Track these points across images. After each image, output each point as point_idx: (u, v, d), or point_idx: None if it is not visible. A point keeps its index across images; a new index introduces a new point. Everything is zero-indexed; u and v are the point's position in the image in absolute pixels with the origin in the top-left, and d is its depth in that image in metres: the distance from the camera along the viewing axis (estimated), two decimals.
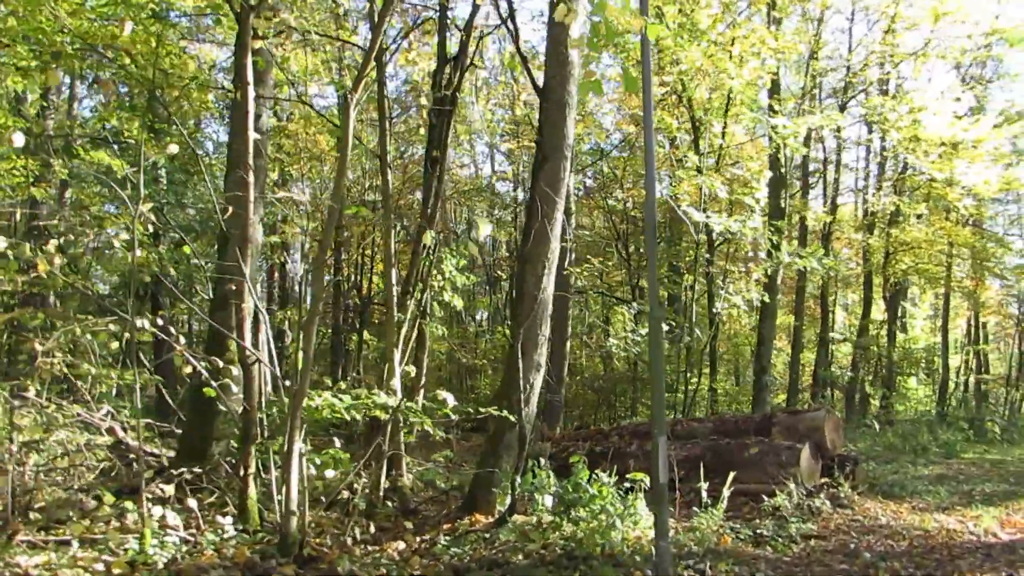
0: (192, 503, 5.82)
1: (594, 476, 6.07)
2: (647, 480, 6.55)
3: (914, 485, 10.39)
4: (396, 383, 6.63)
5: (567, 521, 5.41)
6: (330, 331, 20.62)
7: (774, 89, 16.55)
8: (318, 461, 6.08)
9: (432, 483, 7.06)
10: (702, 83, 16.33)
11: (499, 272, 24.27)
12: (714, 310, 15.82)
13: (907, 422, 17.77)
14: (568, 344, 15.93)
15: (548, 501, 5.85)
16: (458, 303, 7.27)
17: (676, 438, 10.17)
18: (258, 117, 7.78)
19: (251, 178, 6.00)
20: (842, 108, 20.80)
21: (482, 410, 6.06)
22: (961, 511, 8.70)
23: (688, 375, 16.62)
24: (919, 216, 23.61)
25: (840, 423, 9.51)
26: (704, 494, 7.45)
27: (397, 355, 6.69)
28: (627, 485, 6.36)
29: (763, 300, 15.44)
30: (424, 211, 7.36)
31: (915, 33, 17.79)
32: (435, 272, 7.03)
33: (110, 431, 7.26)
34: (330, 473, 6.07)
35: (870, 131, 22.36)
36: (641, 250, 20.69)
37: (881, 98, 19.94)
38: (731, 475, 7.62)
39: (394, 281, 6.74)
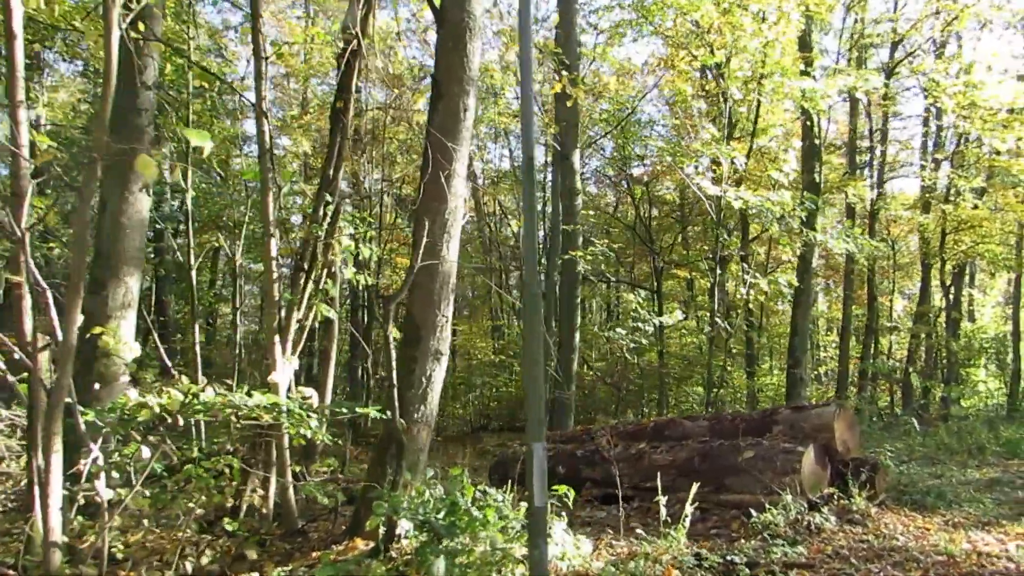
0: None
1: (483, 492, 4.79)
2: (569, 494, 5.24)
3: (956, 493, 8.77)
4: (277, 377, 5.44)
5: (433, 555, 4.16)
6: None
7: (803, 47, 14.84)
8: (159, 468, 4.93)
9: (319, 498, 5.84)
10: (715, 43, 14.79)
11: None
12: (740, 295, 14.25)
13: (963, 418, 15.81)
14: (577, 336, 14.57)
15: (406, 526, 4.57)
16: (366, 280, 6.04)
17: (666, 439, 8.78)
18: (143, 69, 6.69)
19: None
20: (889, 74, 18.92)
21: (358, 410, 4.84)
22: (1005, 527, 7.10)
23: (713, 368, 15.07)
24: (981, 193, 21.51)
25: (855, 421, 7.96)
26: (664, 509, 6.05)
27: (276, 344, 5.50)
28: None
29: (791, 284, 13.79)
30: (324, 171, 6.17)
31: None
32: (333, 244, 5.82)
33: None
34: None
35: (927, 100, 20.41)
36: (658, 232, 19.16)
37: (933, 61, 18.09)
38: (693, 487, 6.24)
39: (273, 252, 5.56)
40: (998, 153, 19.39)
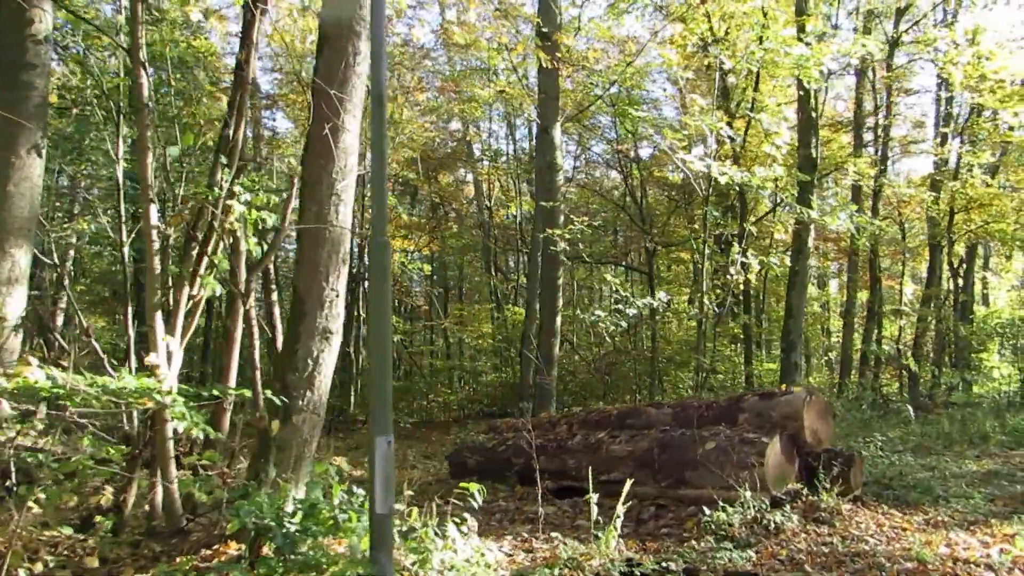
0: None
1: (351, 493, 4.13)
2: (478, 493, 4.60)
3: (946, 487, 8.06)
4: (157, 359, 4.82)
5: (282, 566, 3.53)
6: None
7: (800, 12, 13.97)
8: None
9: (197, 495, 5.21)
10: (714, 13, 14.02)
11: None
12: (728, 275, 13.51)
13: (969, 405, 14.98)
14: (558, 319, 13.90)
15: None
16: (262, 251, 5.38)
17: (628, 428, 8.11)
18: (31, 21, 6.07)
19: None
20: (893, 44, 18.03)
21: (216, 392, 4.23)
22: (993, 526, 6.39)
23: (704, 352, 14.36)
24: (994, 171, 20.56)
25: (828, 408, 7.25)
26: (595, 508, 5.39)
27: (158, 322, 4.88)
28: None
29: (782, 264, 13.02)
30: (223, 131, 5.54)
31: None
32: (230, 211, 5.17)
33: None
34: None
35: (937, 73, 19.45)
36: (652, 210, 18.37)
37: (939, 30, 17.16)
38: (628, 483, 5.60)
39: (154, 220, 4.94)
40: (1012, 128, 18.49)
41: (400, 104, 16.87)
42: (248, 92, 5.51)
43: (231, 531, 3.83)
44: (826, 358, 28.38)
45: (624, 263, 20.20)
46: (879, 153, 19.38)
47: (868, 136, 21.33)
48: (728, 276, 13.53)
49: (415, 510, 4.38)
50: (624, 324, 11.96)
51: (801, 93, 14.35)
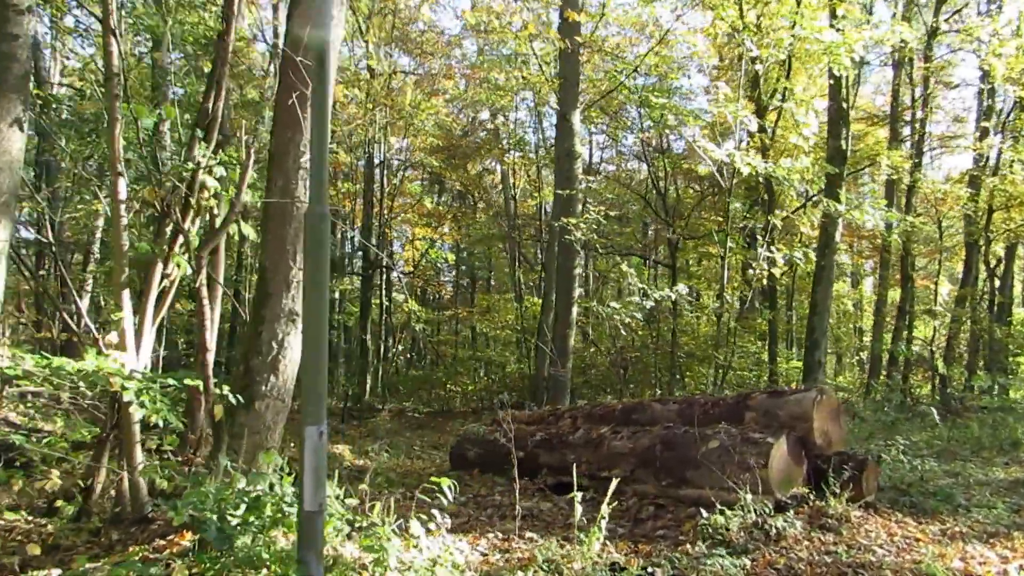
0: None
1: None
2: (447, 488, 4.32)
3: (969, 495, 7.64)
4: (120, 338, 4.61)
5: (218, 561, 3.27)
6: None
7: None
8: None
9: (158, 482, 5.00)
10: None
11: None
12: (751, 269, 13.06)
13: (1002, 409, 14.35)
14: (574, 310, 13.57)
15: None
16: (248, 232, 5.15)
17: (632, 424, 7.79)
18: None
19: None
20: (932, 34, 17.37)
21: (187, 381, 3.99)
22: (1015, 539, 5.98)
23: (725, 347, 13.92)
24: None
25: (839, 410, 6.85)
26: (579, 508, 5.09)
27: (126, 301, 4.66)
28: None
29: (807, 258, 12.53)
30: (203, 104, 5.31)
31: None
32: (206, 188, 4.93)
33: None
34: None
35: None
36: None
37: (982, 20, 16.50)
38: (614, 482, 5.27)
39: (122, 195, 4.71)
40: None
41: (421, 88, 16.60)
42: (227, 64, 5.27)
43: (176, 522, 3.60)
44: (857, 358, 27.70)
45: (650, 256, 19.77)
46: (914, 147, 18.66)
47: (907, 132, 20.64)
48: (751, 270, 13.10)
49: (377, 505, 4.12)
50: (639, 316, 11.58)
51: (832, 82, 13.84)
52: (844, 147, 14.08)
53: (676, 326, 15.75)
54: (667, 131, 16.61)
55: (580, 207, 13.32)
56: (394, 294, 25.52)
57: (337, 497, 3.89)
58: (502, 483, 8.16)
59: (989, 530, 6.26)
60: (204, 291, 4.30)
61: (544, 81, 13.87)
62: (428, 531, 4.00)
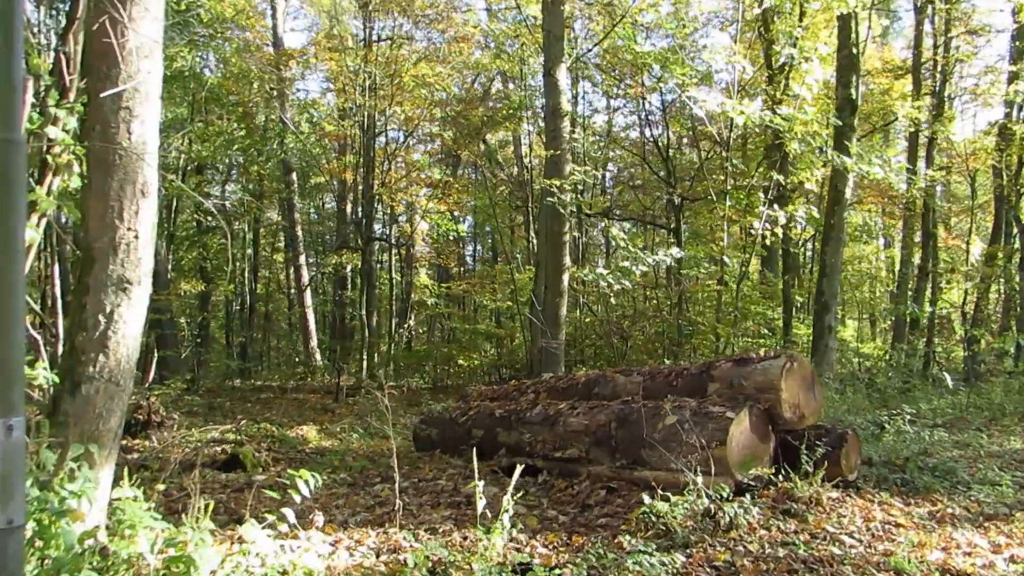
0: None
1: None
2: (310, 480, 3.65)
3: (973, 470, 6.82)
4: None
5: None
6: None
7: None
8: None
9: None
10: None
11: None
12: (752, 230, 12.20)
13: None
14: (565, 278, 12.81)
15: None
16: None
17: (594, 397, 7.07)
18: None
19: None
20: None
21: None
22: (1016, 522, 5.20)
23: (727, 311, 13.12)
24: None
25: (813, 378, 6.03)
26: (482, 500, 4.40)
27: None
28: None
29: (809, 215, 11.62)
30: (60, 49, 4.64)
31: None
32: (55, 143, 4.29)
33: None
34: None
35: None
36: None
37: None
38: (519, 469, 4.56)
39: None
40: None
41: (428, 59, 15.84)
42: (83, 3, 4.59)
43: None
44: (885, 323, 26.62)
45: (648, 219, 18.83)
46: (935, 98, 17.45)
47: (931, 83, 19.38)
48: (753, 230, 12.24)
49: (206, 504, 3.47)
50: (627, 283, 10.80)
51: (839, 24, 12.83)
52: (854, 96, 13.06)
53: (682, 293, 14.94)
54: (664, 84, 15.63)
55: (568, 167, 12.49)
56: (403, 269, 24.94)
57: (135, 499, 3.25)
58: (458, 465, 7.51)
59: (987, 512, 5.47)
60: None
61: (527, 33, 13.04)
62: (280, 534, 3.35)
